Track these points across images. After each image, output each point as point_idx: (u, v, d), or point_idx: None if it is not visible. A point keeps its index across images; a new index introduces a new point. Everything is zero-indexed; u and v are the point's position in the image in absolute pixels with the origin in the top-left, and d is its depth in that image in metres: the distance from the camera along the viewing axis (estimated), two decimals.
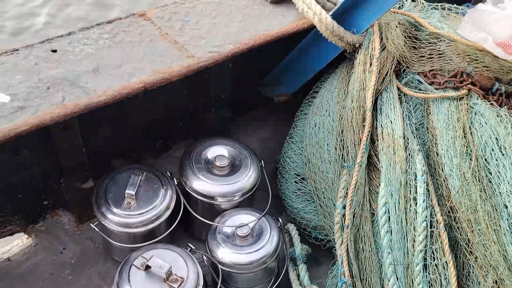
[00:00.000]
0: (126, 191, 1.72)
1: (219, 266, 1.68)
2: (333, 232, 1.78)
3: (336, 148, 1.84)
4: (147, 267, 1.60)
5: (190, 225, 1.99)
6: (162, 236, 1.77)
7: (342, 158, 1.82)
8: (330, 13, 1.84)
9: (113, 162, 2.08)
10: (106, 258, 1.95)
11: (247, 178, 1.87)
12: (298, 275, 1.84)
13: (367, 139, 1.75)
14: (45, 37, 1.71)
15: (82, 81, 1.55)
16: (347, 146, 1.80)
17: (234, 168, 1.90)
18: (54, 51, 1.65)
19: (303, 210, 1.94)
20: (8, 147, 1.66)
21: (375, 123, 1.79)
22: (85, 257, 1.94)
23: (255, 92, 2.40)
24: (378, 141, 1.76)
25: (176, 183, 1.87)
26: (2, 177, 1.73)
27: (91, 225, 1.75)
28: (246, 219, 1.79)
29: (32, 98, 1.46)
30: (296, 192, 1.97)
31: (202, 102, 2.17)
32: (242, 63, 2.01)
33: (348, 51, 1.94)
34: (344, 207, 1.75)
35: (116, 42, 1.71)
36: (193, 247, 1.75)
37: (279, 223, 1.84)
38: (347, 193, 1.75)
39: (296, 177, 1.99)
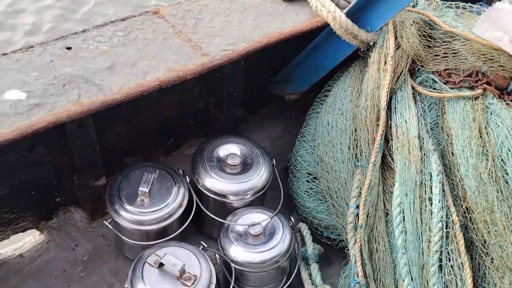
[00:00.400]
0: (140, 189, 1.73)
1: (232, 264, 1.68)
2: (346, 232, 1.77)
3: (349, 147, 1.83)
4: (161, 265, 1.60)
5: (200, 223, 1.99)
6: (174, 234, 1.77)
7: (355, 157, 1.81)
8: (344, 11, 1.83)
9: (125, 159, 2.08)
10: (118, 255, 1.95)
11: (259, 176, 1.86)
12: (310, 275, 1.83)
13: (381, 138, 1.74)
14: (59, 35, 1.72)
15: (97, 78, 1.55)
16: (361, 145, 1.80)
17: (246, 166, 1.89)
18: (69, 48, 1.65)
19: (315, 210, 1.93)
20: (23, 144, 1.67)
21: (389, 122, 1.78)
22: (97, 254, 1.95)
23: (266, 90, 2.39)
24: (392, 140, 1.75)
25: (188, 181, 1.86)
26: (16, 174, 1.74)
27: (104, 222, 1.76)
28: (258, 217, 1.79)
29: (48, 95, 1.46)
30: (307, 191, 1.97)
31: (214, 100, 2.16)
32: (254, 61, 2.01)
33: (361, 49, 1.93)
34: (357, 207, 1.74)
35: (130, 39, 1.71)
36: (205, 245, 1.74)
37: (291, 222, 1.83)
38: (360, 192, 1.75)
39: (308, 176, 1.98)
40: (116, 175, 1.82)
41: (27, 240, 2.00)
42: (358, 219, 1.72)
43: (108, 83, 1.53)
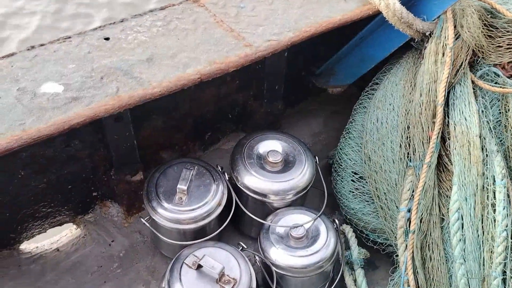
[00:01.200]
0: (178, 186, 1.66)
1: (273, 268, 1.59)
2: (395, 237, 1.65)
3: (401, 146, 1.69)
4: (199, 267, 1.53)
5: (239, 222, 1.91)
6: (213, 234, 1.69)
7: (407, 157, 1.67)
8: None
9: (162, 154, 2.02)
10: (155, 252, 1.90)
11: (301, 175, 1.76)
12: (355, 280, 1.73)
13: (437, 137, 1.60)
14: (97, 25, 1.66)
15: (136, 71, 1.48)
16: (414, 144, 1.66)
17: (287, 164, 1.79)
18: (107, 39, 1.59)
19: (361, 211, 1.81)
20: (59, 139, 1.62)
21: (446, 120, 1.63)
22: (134, 251, 1.90)
23: (308, 83, 2.27)
24: (449, 139, 1.60)
25: (227, 178, 1.78)
26: (53, 169, 1.70)
27: (141, 219, 1.70)
28: (301, 219, 1.69)
29: (86, 89, 1.40)
30: (353, 192, 1.85)
31: (254, 93, 2.07)
32: (296, 51, 1.89)
33: (415, 39, 1.78)
34: (409, 211, 1.61)
35: (170, 29, 1.62)
36: (245, 246, 1.66)
37: (335, 224, 1.72)
38: (413, 195, 1.62)
39: (354, 176, 1.86)
40: (154, 171, 1.75)
41: (63, 234, 1.98)
42: (409, 223, 1.59)
43: (147, 76, 1.45)
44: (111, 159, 1.77)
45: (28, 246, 1.91)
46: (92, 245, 1.91)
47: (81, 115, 1.30)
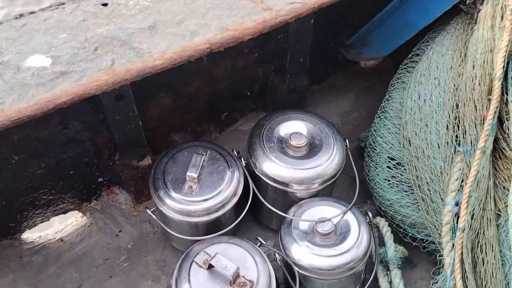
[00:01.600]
0: (188, 173, 1.46)
1: (295, 268, 1.39)
2: (440, 234, 1.41)
3: (448, 127, 1.44)
4: (210, 266, 1.34)
5: (257, 212, 1.71)
6: (228, 229, 1.49)
7: (456, 141, 1.42)
8: None
9: (174, 136, 1.82)
10: (166, 245, 1.73)
11: (329, 162, 1.53)
12: (390, 282, 1.50)
13: (493, 117, 1.33)
14: None
15: (135, 41, 1.27)
16: (464, 126, 1.40)
17: (313, 148, 1.56)
18: (105, 4, 1.38)
19: (398, 203, 1.57)
20: (54, 119, 1.44)
21: (505, 97, 1.36)
22: (143, 243, 1.74)
23: (337, 55, 2.02)
24: (508, 120, 1.34)
25: (244, 164, 1.57)
26: (52, 153, 1.53)
27: (148, 211, 1.52)
28: (328, 212, 1.47)
29: (77, 62, 1.20)
30: (389, 180, 1.61)
31: (276, 67, 1.83)
32: (324, 18, 1.63)
33: (466, 1, 1.50)
34: (457, 204, 1.37)
35: None
36: (263, 242, 1.46)
37: (368, 218, 1.50)
38: (462, 186, 1.37)
39: (390, 162, 1.62)
40: (161, 156, 1.56)
41: (68, 223, 1.83)
42: (457, 219, 1.35)
43: (148, 47, 1.24)
44: (115, 142, 1.59)
45: (30, 235, 1.77)
46: (98, 235, 1.75)
47: (69, 93, 1.10)
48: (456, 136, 1.43)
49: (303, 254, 1.39)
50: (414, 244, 1.56)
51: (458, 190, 1.37)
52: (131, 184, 1.71)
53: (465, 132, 1.40)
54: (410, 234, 1.57)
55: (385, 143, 1.64)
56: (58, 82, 1.13)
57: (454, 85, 1.46)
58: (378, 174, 1.64)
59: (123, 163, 1.61)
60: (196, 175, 1.45)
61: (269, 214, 1.65)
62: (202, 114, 1.84)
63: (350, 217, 1.46)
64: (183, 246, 1.64)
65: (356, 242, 1.40)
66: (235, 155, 1.58)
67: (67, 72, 1.16)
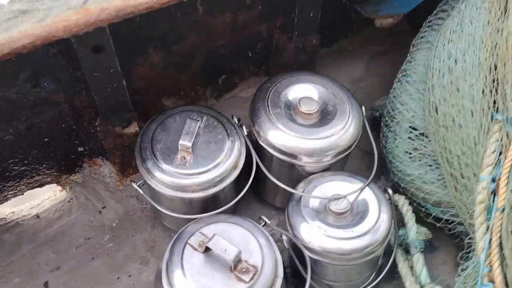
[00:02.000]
0: (180, 142, 1.25)
1: (307, 253, 1.20)
2: (470, 215, 1.22)
3: (483, 92, 1.23)
4: (207, 249, 1.15)
5: (259, 187, 1.51)
6: (227, 206, 1.30)
7: (493, 107, 1.22)
8: None
9: (164, 102, 1.61)
10: (155, 223, 1.54)
11: (343, 131, 1.32)
12: (412, 268, 1.33)
13: None
14: None
15: None
16: (504, 90, 1.19)
17: (326, 116, 1.36)
18: None
19: (421, 179, 1.38)
20: (23, 76, 1.22)
21: None
22: (129, 220, 1.54)
23: (350, 12, 1.79)
24: None
25: (245, 133, 1.36)
26: (21, 116, 1.31)
27: (133, 184, 1.31)
28: (343, 188, 1.28)
29: None
30: (410, 153, 1.41)
31: (281, 23, 1.60)
32: None
33: None
34: (494, 180, 1.17)
35: None
36: (268, 221, 1.27)
37: (388, 195, 1.31)
38: (500, 160, 1.17)
39: (412, 132, 1.42)
40: (149, 121, 1.35)
41: (46, 197, 1.63)
42: (494, 198, 1.16)
43: None
44: (96, 105, 1.37)
45: (2, 211, 1.56)
46: (78, 212, 1.56)
47: (29, 35, 0.88)
48: (494, 102, 1.22)
49: (315, 235, 1.21)
50: (437, 225, 1.38)
51: (496, 164, 1.18)
52: (116, 155, 1.50)
53: (505, 97, 1.19)
54: (433, 214, 1.38)
55: (407, 110, 1.44)
56: (16, 22, 0.90)
57: (492, 43, 1.24)
58: (397, 146, 1.44)
59: (105, 130, 1.40)
60: (190, 144, 1.25)
61: (273, 190, 1.47)
62: (197, 76, 1.61)
63: (368, 195, 1.27)
64: (175, 225, 1.45)
65: (376, 223, 1.21)
66: (235, 122, 1.38)
67: (28, 11, 0.93)
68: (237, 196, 1.32)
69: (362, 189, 1.26)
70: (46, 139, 1.43)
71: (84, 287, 1.40)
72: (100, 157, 1.59)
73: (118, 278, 1.42)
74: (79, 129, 1.47)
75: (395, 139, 1.45)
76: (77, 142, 1.52)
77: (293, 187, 1.31)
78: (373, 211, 1.23)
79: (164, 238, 1.50)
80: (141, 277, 1.43)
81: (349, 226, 1.21)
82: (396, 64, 1.58)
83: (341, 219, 1.22)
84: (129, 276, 1.43)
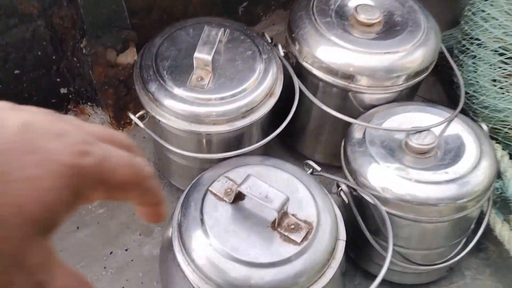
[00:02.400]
0: (196, 54, 0.89)
1: (381, 207, 0.84)
2: None
3: None
4: (238, 198, 0.79)
5: (291, 133, 1.15)
6: (261, 143, 0.94)
7: None
8: None
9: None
10: (161, 183, 1.18)
11: (417, 46, 0.97)
12: None
13: None
14: None
15: None
16: None
17: (391, 28, 1.00)
18: None
19: None
20: None
21: None
22: None
23: None
24: None
25: (282, 54, 1.01)
26: None
27: (130, 115, 0.95)
28: (423, 119, 0.92)
29: None
30: (500, 81, 1.06)
31: None
32: None
33: None
34: None
35: None
36: (317, 167, 0.91)
37: (482, 130, 0.95)
38: None
39: (501, 55, 1.07)
40: (155, 36, 0.99)
41: None
42: None
43: None
44: (82, 21, 1.02)
45: None
46: None
47: None
48: None
49: (391, 180, 0.84)
50: None
51: None
52: (108, 93, 1.14)
53: None
54: None
55: (495, 28, 1.08)
56: None
57: None
58: (481, 73, 1.08)
59: (93, 53, 1.04)
60: (210, 57, 0.89)
61: (314, 137, 1.11)
62: (210, 2, 1.27)
63: (459, 128, 0.91)
64: (190, 180, 1.09)
65: (476, 165, 0.85)
66: (267, 39, 1.02)
67: None
68: (268, 135, 0.96)
69: (451, 119, 0.90)
70: (16, 71, 1.08)
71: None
72: (89, 103, 1.24)
73: (111, 252, 1.06)
74: (61, 60, 1.12)
75: (479, 65, 1.09)
76: (58, 79, 1.16)
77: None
78: (471, 149, 0.87)
79: (172, 202, 1.13)
80: (142, 251, 1.07)
81: (438, 167, 0.85)
82: None
83: (425, 159, 0.86)
84: (126, 249, 1.07)
